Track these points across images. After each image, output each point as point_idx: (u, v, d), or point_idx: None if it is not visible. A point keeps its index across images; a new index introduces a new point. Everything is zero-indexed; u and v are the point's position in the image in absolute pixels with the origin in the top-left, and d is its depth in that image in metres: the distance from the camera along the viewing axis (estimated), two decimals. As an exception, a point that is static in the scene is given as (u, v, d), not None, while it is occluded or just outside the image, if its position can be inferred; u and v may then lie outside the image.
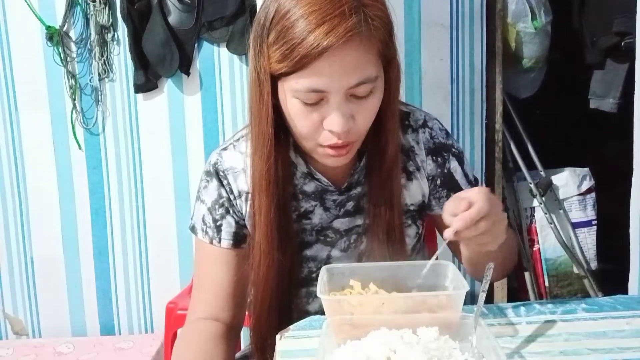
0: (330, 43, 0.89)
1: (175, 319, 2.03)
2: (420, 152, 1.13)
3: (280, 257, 1.07)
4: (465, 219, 0.87)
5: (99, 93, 2.35)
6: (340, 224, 1.13)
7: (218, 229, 1.11)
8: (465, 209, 0.88)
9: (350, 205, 1.12)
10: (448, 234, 0.89)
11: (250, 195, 1.09)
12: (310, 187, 1.11)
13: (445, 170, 1.14)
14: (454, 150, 1.16)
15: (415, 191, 1.14)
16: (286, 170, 1.07)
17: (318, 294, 0.88)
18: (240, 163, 1.11)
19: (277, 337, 0.95)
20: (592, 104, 2.46)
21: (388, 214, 1.08)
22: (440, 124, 1.17)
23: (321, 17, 0.90)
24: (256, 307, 1.11)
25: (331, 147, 0.99)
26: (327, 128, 0.96)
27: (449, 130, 1.20)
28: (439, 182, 1.15)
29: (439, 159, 1.14)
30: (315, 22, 0.90)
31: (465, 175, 1.16)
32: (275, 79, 0.97)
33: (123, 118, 2.37)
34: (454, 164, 1.15)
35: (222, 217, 1.11)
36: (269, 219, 1.05)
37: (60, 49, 2.30)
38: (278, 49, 0.93)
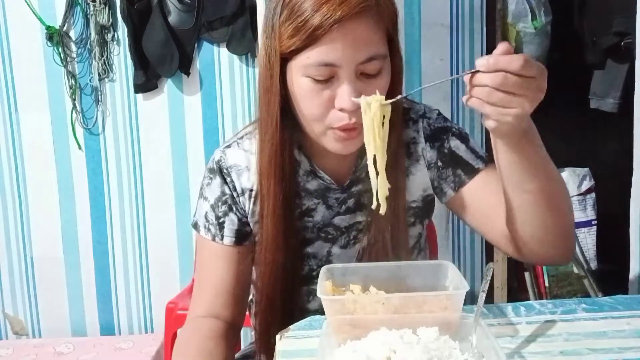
0: (344, 13, 0.91)
1: (175, 319, 2.03)
2: (420, 140, 1.12)
3: (286, 252, 1.07)
4: (488, 61, 0.81)
5: (99, 93, 2.35)
6: (341, 220, 1.13)
7: (220, 226, 1.11)
8: (502, 52, 0.82)
9: (351, 202, 1.12)
10: (466, 72, 0.86)
11: (253, 193, 1.10)
12: (312, 185, 1.11)
13: (445, 150, 1.12)
14: (454, 130, 1.14)
15: (414, 187, 1.13)
16: (291, 165, 1.07)
17: (318, 294, 0.88)
18: (244, 161, 1.11)
19: (277, 337, 0.95)
20: (593, 104, 2.46)
21: (391, 209, 1.05)
22: (439, 113, 1.16)
23: None
24: (261, 305, 1.11)
25: (342, 129, 0.98)
26: (338, 106, 0.96)
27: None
28: (440, 164, 1.12)
29: (437, 143, 1.12)
30: None
31: (473, 151, 1.12)
32: (284, 63, 0.98)
33: (123, 118, 2.37)
34: (454, 142, 1.12)
35: (225, 214, 1.11)
36: (278, 207, 1.05)
37: (60, 49, 2.30)
38: (290, 24, 0.94)
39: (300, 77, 0.97)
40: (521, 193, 0.96)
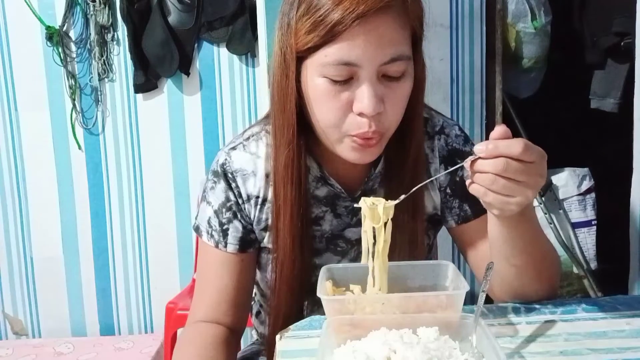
0: (368, 7, 0.84)
1: (175, 319, 2.04)
2: (434, 161, 1.07)
3: (301, 263, 1.02)
4: (487, 146, 0.79)
5: (99, 93, 2.35)
6: (352, 233, 1.07)
7: (224, 233, 1.06)
8: (499, 135, 0.79)
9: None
10: (467, 160, 0.82)
11: (259, 200, 1.05)
12: (322, 191, 1.06)
13: (457, 179, 1.06)
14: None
15: (426, 203, 1.07)
16: (305, 172, 1.01)
17: (318, 294, 0.88)
18: (250, 165, 1.05)
19: (277, 337, 0.95)
20: (593, 104, 2.47)
21: (410, 225, 1.01)
22: (460, 129, 1.10)
23: None
24: (276, 318, 1.05)
25: (359, 137, 0.92)
26: (357, 111, 0.89)
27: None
28: (449, 191, 1.07)
29: (451, 167, 1.04)
30: None
31: None
32: (299, 61, 0.91)
33: (123, 118, 2.37)
34: (467, 173, 1.10)
35: (229, 221, 1.06)
36: (295, 216, 0.99)
37: (60, 49, 2.30)
38: (309, 19, 0.88)
39: (316, 77, 0.90)
40: (507, 265, 0.95)
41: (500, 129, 0.81)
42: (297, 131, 0.96)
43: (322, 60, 0.88)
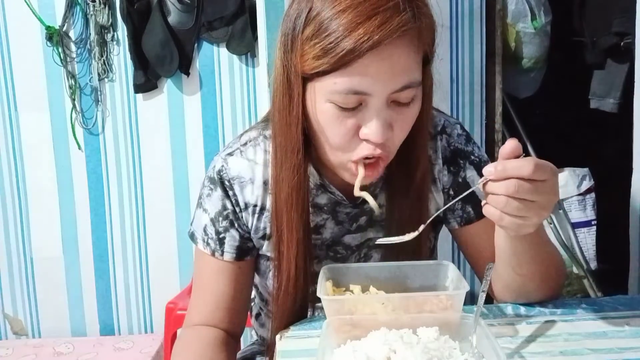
0: (383, 37, 0.80)
1: (175, 319, 2.04)
2: (437, 162, 1.05)
3: (304, 278, 1.00)
4: (496, 168, 0.77)
5: (99, 93, 2.35)
6: (352, 239, 1.06)
7: (221, 241, 1.04)
8: (509, 152, 0.77)
9: (363, 220, 1.06)
10: (480, 182, 0.81)
11: (257, 209, 1.03)
12: (322, 199, 1.04)
13: (460, 179, 1.05)
14: (473, 158, 1.06)
15: (430, 206, 1.06)
16: (309, 193, 0.99)
17: (318, 294, 0.88)
18: (248, 172, 1.03)
19: (277, 337, 0.95)
20: (593, 104, 2.47)
21: (414, 238, 0.99)
22: (462, 128, 1.08)
23: (372, 9, 0.81)
24: (277, 322, 1.03)
25: (365, 164, 0.90)
26: (364, 137, 0.87)
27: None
28: (451, 192, 1.05)
29: (453, 167, 1.05)
30: (366, 13, 0.81)
31: None
32: (304, 81, 0.88)
33: (123, 118, 2.37)
34: (470, 173, 1.05)
35: (226, 230, 1.04)
36: (298, 241, 0.97)
37: (60, 49, 2.30)
38: (318, 43, 0.84)
39: (323, 102, 0.87)
40: (514, 274, 0.95)
41: (509, 145, 0.78)
42: (303, 154, 0.93)
43: (330, 87, 0.85)
